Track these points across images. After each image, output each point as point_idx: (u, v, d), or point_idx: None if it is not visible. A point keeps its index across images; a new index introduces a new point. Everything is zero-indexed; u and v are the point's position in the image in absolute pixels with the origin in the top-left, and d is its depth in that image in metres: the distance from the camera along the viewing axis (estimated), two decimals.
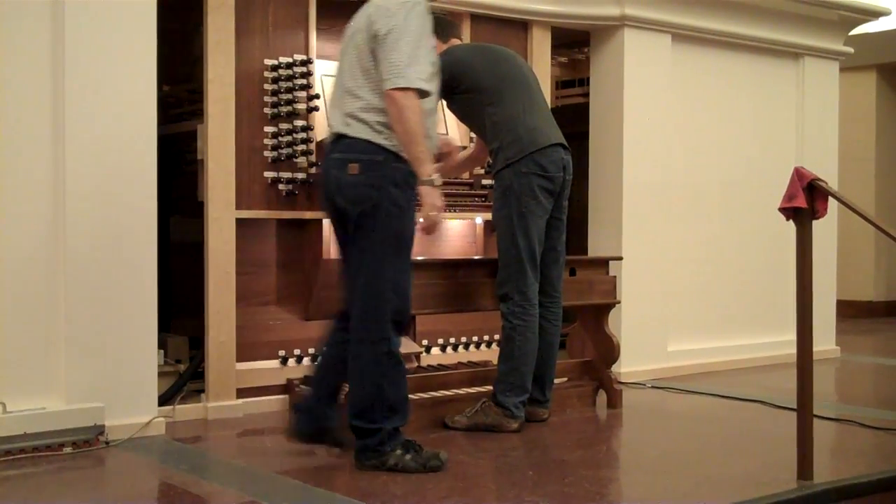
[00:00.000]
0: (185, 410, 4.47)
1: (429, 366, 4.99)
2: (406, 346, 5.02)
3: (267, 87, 4.70)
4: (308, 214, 4.79)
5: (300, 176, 4.75)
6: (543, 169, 4.19)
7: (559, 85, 6.97)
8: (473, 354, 5.33)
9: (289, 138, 4.72)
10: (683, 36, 6.03)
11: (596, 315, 4.86)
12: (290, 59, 4.76)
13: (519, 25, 5.59)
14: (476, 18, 5.36)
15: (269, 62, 4.71)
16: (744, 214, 6.41)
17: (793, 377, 3.43)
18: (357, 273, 3.51)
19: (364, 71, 3.50)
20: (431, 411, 4.28)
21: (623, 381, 5.39)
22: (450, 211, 4.96)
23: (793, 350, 3.46)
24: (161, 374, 4.30)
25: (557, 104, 6.77)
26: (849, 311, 9.25)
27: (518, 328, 4.18)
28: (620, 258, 5.32)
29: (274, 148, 4.70)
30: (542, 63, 5.60)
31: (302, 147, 4.74)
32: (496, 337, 5.01)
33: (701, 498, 3.29)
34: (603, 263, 4.90)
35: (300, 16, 4.83)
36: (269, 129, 4.70)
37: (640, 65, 5.84)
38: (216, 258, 4.51)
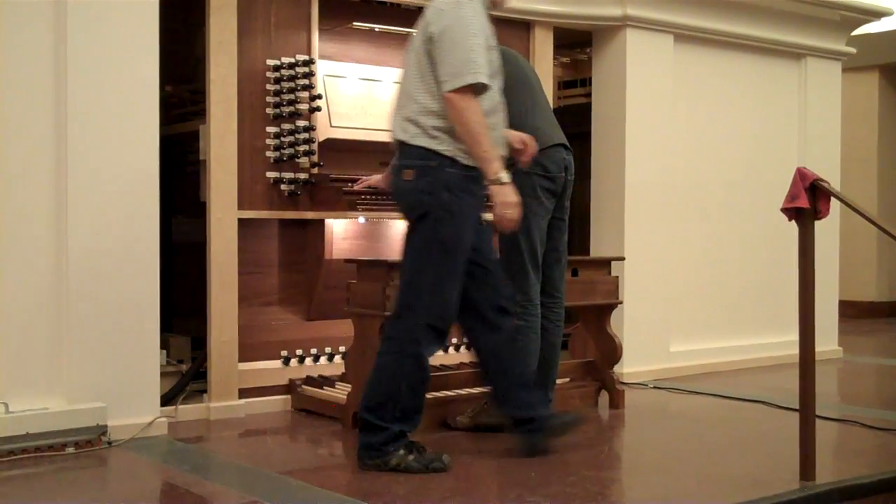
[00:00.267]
0: (188, 410, 4.47)
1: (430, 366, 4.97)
2: None
3: (269, 87, 4.71)
4: (310, 214, 4.79)
5: (302, 176, 4.75)
6: (545, 169, 4.18)
7: (561, 85, 6.97)
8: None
9: (291, 138, 4.72)
10: (686, 36, 6.03)
11: (598, 315, 4.86)
12: (293, 60, 4.76)
13: (521, 26, 5.59)
14: None
15: (271, 62, 4.71)
16: (746, 215, 6.41)
17: (795, 378, 3.42)
18: (401, 273, 3.60)
19: (421, 74, 3.51)
20: (433, 411, 4.27)
21: (625, 381, 5.39)
22: None
23: (795, 350, 3.45)
24: (163, 375, 4.30)
25: (560, 104, 6.77)
26: (851, 311, 9.25)
27: (520, 329, 4.16)
28: (622, 258, 5.32)
29: (276, 148, 4.70)
30: (544, 63, 5.60)
31: (304, 147, 4.75)
32: None
33: (703, 498, 3.29)
34: (605, 264, 4.90)
35: (302, 16, 4.83)
36: (271, 129, 4.70)
37: (642, 65, 5.84)
38: (218, 258, 4.51)
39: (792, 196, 3.33)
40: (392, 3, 5.18)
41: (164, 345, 4.53)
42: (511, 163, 4.18)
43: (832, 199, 3.34)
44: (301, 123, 4.76)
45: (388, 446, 3.48)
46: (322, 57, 4.89)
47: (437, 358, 5.15)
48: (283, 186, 4.71)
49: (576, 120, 5.97)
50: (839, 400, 5.39)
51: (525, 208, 4.16)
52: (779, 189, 3.74)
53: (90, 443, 3.84)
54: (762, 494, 3.20)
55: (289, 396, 4.74)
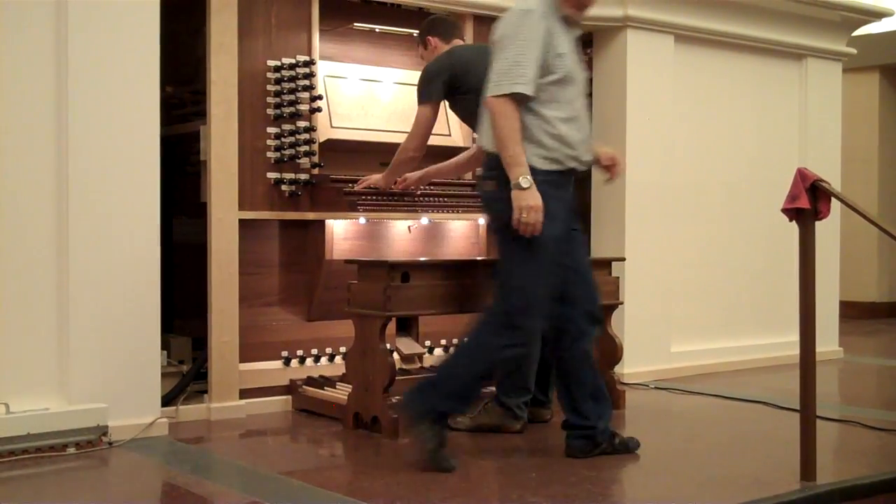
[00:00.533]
0: (188, 411, 4.47)
1: (431, 366, 4.97)
2: (408, 346, 5.03)
3: (270, 87, 4.71)
4: (311, 215, 4.79)
5: (303, 177, 4.75)
6: None
7: None
8: None
9: (291, 139, 4.72)
10: (686, 37, 6.03)
11: None
12: (293, 60, 4.76)
13: None
14: (479, 19, 5.35)
15: (271, 63, 4.71)
16: (747, 215, 6.41)
17: (796, 378, 3.43)
18: (495, 276, 3.71)
19: None
20: None
21: (626, 381, 5.39)
22: (452, 212, 4.96)
23: (796, 351, 3.45)
24: (164, 375, 4.30)
25: None
26: (852, 312, 9.24)
27: None
28: (623, 259, 5.32)
29: (277, 149, 4.71)
30: None
31: (305, 148, 4.75)
32: None
33: (704, 499, 3.29)
34: (606, 264, 4.89)
35: (303, 17, 4.83)
36: (271, 129, 4.70)
37: (642, 66, 5.83)
38: (219, 259, 4.51)
39: (792, 196, 3.33)
40: (393, 4, 5.18)
41: (165, 345, 4.53)
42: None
43: (832, 199, 3.34)
44: (302, 124, 4.76)
45: (428, 415, 3.54)
46: (323, 57, 4.90)
47: (438, 358, 5.16)
48: (283, 187, 4.71)
49: None
50: (840, 400, 5.39)
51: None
52: (779, 190, 3.74)
53: (91, 443, 3.85)
54: (763, 495, 3.20)
55: (289, 397, 4.74)
